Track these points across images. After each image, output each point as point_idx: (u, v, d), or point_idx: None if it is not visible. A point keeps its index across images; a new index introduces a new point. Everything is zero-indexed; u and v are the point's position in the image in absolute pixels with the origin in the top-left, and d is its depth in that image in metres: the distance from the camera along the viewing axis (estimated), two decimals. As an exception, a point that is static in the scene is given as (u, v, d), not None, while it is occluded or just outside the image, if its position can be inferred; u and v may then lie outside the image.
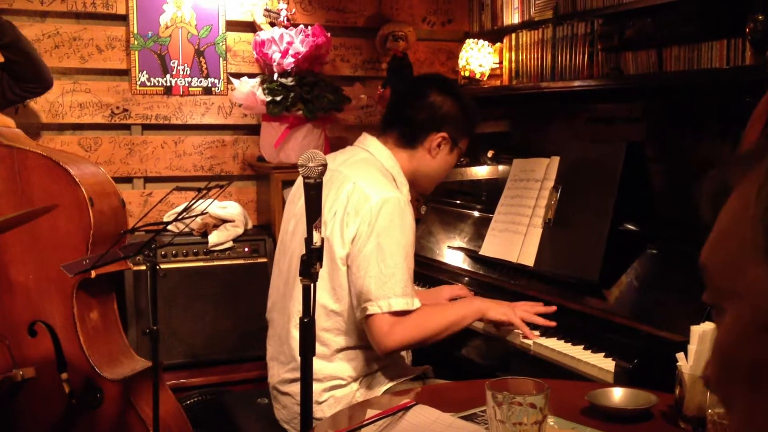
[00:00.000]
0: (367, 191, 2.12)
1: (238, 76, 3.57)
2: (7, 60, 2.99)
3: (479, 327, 2.42)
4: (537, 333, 2.29)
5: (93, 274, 2.53)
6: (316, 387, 2.10)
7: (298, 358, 1.69)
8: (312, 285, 1.65)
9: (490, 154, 3.10)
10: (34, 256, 2.59)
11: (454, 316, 2.20)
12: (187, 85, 3.61)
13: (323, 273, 2.10)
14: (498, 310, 2.27)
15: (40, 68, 3.03)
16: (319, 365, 2.11)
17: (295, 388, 2.04)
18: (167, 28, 3.55)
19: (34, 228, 2.54)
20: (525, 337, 2.27)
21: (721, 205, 0.68)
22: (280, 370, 2.24)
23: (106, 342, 2.71)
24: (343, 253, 2.11)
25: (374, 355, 2.21)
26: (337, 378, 2.17)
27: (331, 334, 2.16)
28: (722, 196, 0.68)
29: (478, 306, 2.28)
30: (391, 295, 2.06)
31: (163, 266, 2.63)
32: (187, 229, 3.17)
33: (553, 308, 2.32)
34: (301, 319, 1.66)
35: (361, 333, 2.17)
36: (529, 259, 2.54)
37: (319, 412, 2.11)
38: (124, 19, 3.50)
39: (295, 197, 2.35)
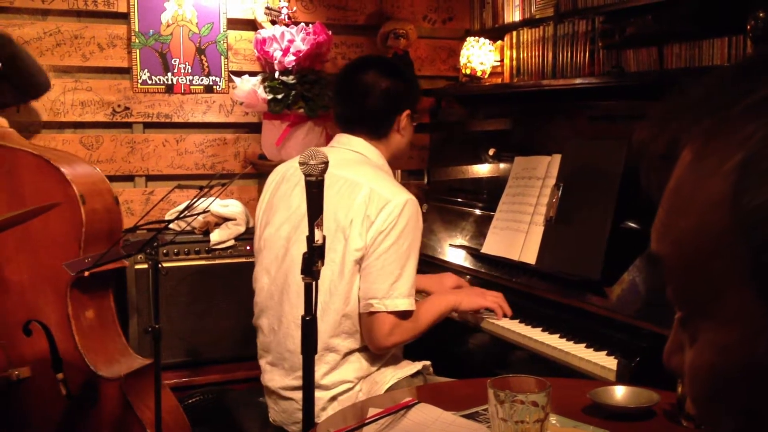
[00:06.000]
0: (385, 194, 2.15)
1: (239, 74, 3.57)
2: (2, 73, 2.97)
3: (455, 317, 2.54)
4: (509, 318, 2.44)
5: (86, 272, 2.52)
6: (323, 395, 2.11)
7: None
8: (314, 283, 1.66)
9: (491, 152, 3.10)
10: (27, 255, 2.58)
11: (434, 315, 2.28)
12: (188, 83, 3.61)
13: (338, 280, 2.12)
14: (470, 300, 2.41)
15: (36, 80, 3.02)
16: (327, 376, 2.14)
17: (300, 395, 2.02)
18: (168, 26, 3.54)
19: (27, 226, 2.52)
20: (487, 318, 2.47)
21: (665, 172, 0.53)
22: (285, 378, 2.21)
23: (102, 340, 2.70)
24: (358, 255, 2.12)
25: (375, 354, 2.22)
26: (346, 381, 2.17)
27: (339, 339, 2.15)
28: (667, 158, 0.53)
29: (451, 301, 2.38)
30: (397, 295, 2.11)
31: (164, 264, 2.64)
32: (188, 228, 3.17)
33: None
34: (303, 318, 1.66)
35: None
36: (530, 257, 2.54)
37: (323, 416, 2.10)
38: (125, 17, 3.49)
39: (274, 203, 2.30)
